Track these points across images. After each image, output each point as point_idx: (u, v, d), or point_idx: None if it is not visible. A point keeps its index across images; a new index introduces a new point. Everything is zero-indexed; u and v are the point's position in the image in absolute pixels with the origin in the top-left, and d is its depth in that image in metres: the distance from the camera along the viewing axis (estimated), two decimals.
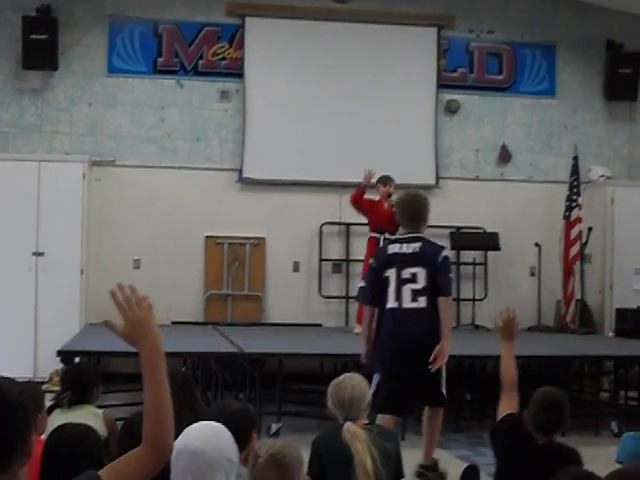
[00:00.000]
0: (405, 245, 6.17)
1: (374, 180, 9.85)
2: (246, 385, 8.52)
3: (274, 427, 7.64)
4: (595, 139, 12.27)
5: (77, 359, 8.08)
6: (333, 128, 11.41)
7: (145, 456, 2.27)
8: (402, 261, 6.11)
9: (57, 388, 8.69)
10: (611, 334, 10.92)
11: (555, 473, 2.77)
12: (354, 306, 10.54)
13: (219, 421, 3.17)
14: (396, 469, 4.23)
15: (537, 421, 4.22)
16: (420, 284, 6.06)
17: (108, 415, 4.91)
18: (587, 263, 11.58)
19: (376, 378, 6.08)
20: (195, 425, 2.84)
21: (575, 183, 11.63)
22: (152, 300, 2.46)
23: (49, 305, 10.37)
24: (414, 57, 11.77)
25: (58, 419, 4.42)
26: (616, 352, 9.36)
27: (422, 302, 6.06)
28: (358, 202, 9.91)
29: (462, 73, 12.02)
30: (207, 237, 11.16)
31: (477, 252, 11.52)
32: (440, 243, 6.55)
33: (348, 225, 11.27)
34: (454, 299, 10.31)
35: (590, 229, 11.37)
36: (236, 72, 11.47)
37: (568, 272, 11.51)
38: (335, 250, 11.57)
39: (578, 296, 11.47)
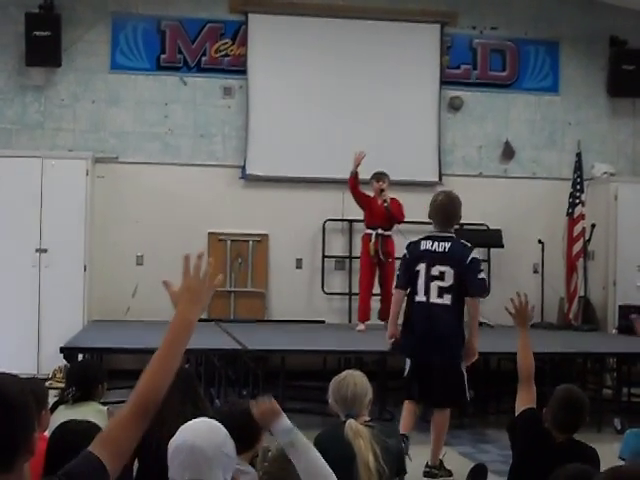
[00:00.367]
0: (436, 243, 6.52)
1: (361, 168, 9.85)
2: (249, 382, 8.53)
3: None
4: (599, 136, 12.26)
5: (80, 356, 8.11)
6: (336, 125, 11.40)
7: (131, 418, 2.29)
8: (432, 258, 6.47)
9: (60, 384, 8.74)
10: (614, 331, 10.91)
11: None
12: (357, 303, 10.52)
13: (229, 420, 3.18)
14: (398, 465, 4.23)
15: (557, 419, 4.20)
16: (447, 282, 6.42)
17: (112, 412, 4.91)
18: (590, 260, 11.56)
19: (407, 364, 6.65)
20: (191, 422, 2.84)
21: (578, 180, 11.62)
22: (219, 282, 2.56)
23: (52, 302, 10.38)
24: (417, 54, 11.77)
25: (62, 415, 4.42)
26: (619, 349, 9.36)
27: (447, 299, 6.41)
28: (355, 189, 9.98)
29: (465, 70, 12.01)
30: (210, 234, 11.16)
31: (480, 249, 11.49)
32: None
33: (351, 222, 11.27)
34: None
35: (593, 226, 11.36)
36: (239, 69, 11.47)
37: (571, 269, 11.50)
38: (338, 247, 11.58)
39: (581, 293, 11.46)
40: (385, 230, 10.01)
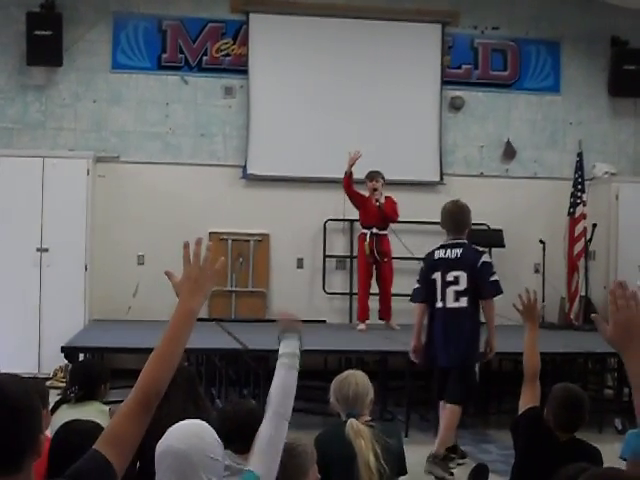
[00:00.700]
0: (449, 250, 6.88)
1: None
2: (250, 381, 8.53)
3: None
4: (600, 136, 12.26)
5: (81, 355, 8.11)
6: (337, 124, 11.40)
7: (134, 412, 2.28)
8: (446, 265, 6.82)
9: (61, 384, 8.76)
10: None
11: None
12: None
13: (232, 419, 3.18)
14: (399, 466, 4.23)
15: (559, 419, 4.19)
16: (462, 286, 6.74)
17: (114, 412, 4.91)
18: (591, 260, 11.56)
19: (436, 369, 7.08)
20: (177, 425, 2.82)
21: (580, 180, 11.61)
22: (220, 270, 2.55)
23: (53, 301, 10.38)
24: (418, 53, 11.77)
25: (65, 414, 4.42)
26: None
27: (463, 302, 6.75)
28: (349, 189, 9.98)
29: (466, 69, 12.01)
30: (211, 233, 11.15)
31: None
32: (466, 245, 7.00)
33: (352, 222, 11.27)
34: None
35: (594, 226, 11.36)
36: (240, 68, 11.48)
37: (572, 269, 11.49)
38: (339, 246, 11.58)
39: (582, 293, 11.45)
40: (380, 230, 10.01)
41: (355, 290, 11.03)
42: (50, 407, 4.36)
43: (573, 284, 11.46)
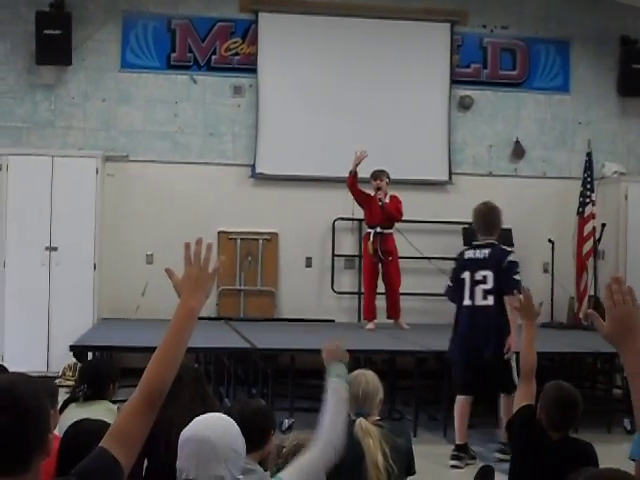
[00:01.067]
0: (478, 251, 7.25)
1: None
2: (258, 380, 8.54)
3: (287, 422, 7.65)
4: (609, 135, 12.23)
5: (90, 354, 8.13)
6: (346, 124, 11.39)
7: (139, 410, 2.29)
8: (475, 265, 7.19)
9: (70, 383, 8.77)
10: None
11: (570, 470, 2.76)
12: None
13: (240, 419, 3.19)
14: (408, 465, 4.23)
15: (552, 419, 4.18)
16: (489, 285, 7.11)
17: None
18: (600, 259, 11.53)
19: (456, 365, 7.31)
20: (203, 416, 2.86)
21: (589, 179, 11.59)
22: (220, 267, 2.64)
23: (62, 300, 10.40)
24: (427, 53, 11.75)
25: (73, 413, 4.43)
26: None
27: (490, 300, 7.09)
28: (353, 188, 9.96)
29: (475, 69, 11.99)
30: (220, 232, 11.16)
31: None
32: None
33: (361, 221, 11.24)
34: None
35: (603, 225, 11.33)
36: (249, 67, 11.48)
37: (581, 268, 11.47)
38: (348, 246, 11.57)
39: (591, 292, 11.43)
40: (384, 228, 9.99)
41: (364, 289, 11.03)
42: (59, 406, 4.37)
43: (582, 284, 11.44)
